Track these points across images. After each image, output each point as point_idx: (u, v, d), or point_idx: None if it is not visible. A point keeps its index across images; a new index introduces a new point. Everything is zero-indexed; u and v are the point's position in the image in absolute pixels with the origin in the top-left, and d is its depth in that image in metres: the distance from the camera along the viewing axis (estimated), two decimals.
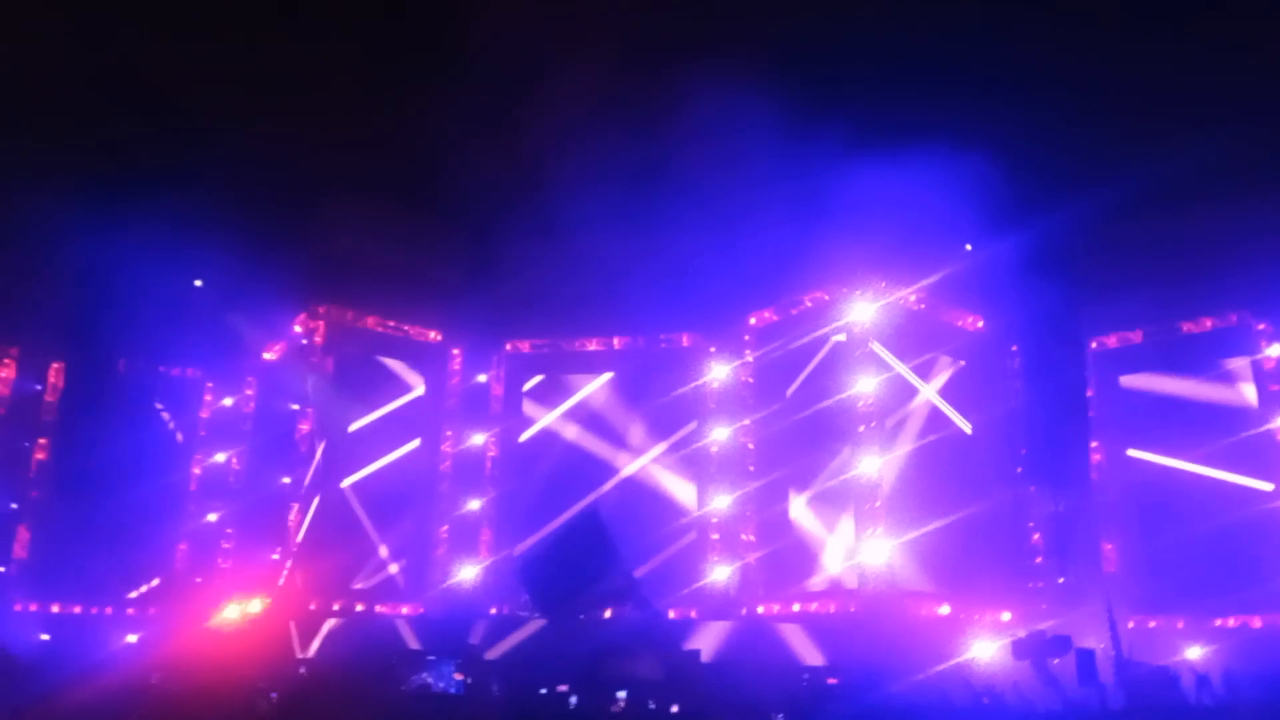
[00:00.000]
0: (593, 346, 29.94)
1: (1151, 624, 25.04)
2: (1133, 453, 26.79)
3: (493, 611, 26.90)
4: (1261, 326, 25.81)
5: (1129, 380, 27.47)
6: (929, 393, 26.25)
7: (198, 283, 28.40)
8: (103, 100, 25.43)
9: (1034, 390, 26.38)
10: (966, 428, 25.74)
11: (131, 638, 25.85)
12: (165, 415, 29.98)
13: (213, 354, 29.66)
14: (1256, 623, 24.22)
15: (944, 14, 24.09)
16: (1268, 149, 23.49)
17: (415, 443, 29.19)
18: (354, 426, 28.11)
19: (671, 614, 25.81)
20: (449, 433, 29.68)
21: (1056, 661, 18.22)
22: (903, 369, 25.39)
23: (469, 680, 18.25)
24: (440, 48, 26.15)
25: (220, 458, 29.48)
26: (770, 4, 25.65)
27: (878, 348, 24.96)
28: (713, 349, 28.75)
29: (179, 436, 30.09)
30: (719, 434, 27.80)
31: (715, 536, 27.17)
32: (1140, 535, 26.37)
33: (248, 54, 26.35)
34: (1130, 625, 23.68)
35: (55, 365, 29.03)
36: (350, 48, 26.34)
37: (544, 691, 17.34)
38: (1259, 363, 25.66)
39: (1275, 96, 23.30)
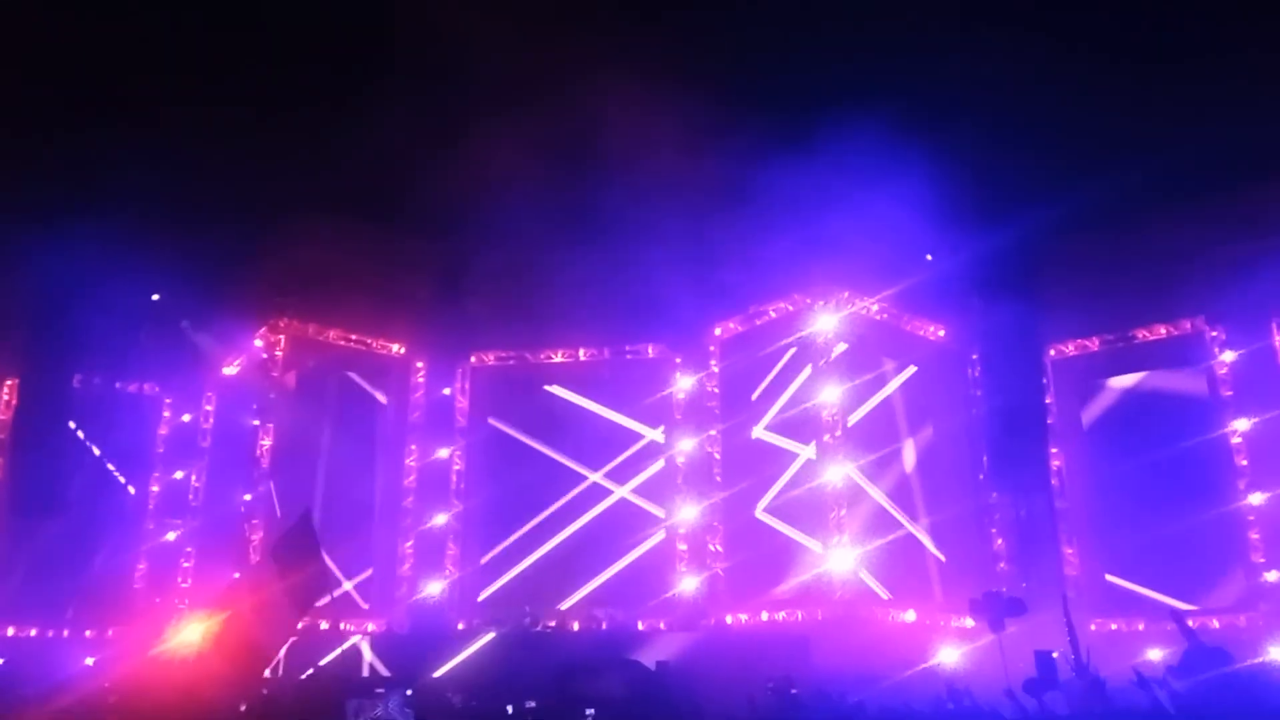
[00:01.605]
0: (558, 358, 29.89)
1: (1112, 626, 25.41)
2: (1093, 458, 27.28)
3: (460, 627, 26.67)
4: (1215, 333, 26.39)
5: (1087, 386, 27.96)
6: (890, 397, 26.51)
7: (155, 297, 27.93)
8: (59, 110, 25.02)
9: (994, 398, 26.74)
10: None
11: (89, 660, 25.32)
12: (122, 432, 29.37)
13: (171, 369, 29.19)
14: (1215, 624, 24.66)
15: (904, 27, 24.41)
16: (1221, 159, 24.03)
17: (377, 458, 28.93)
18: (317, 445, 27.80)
19: (640, 625, 25.78)
20: (413, 447, 29.42)
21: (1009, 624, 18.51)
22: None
23: (420, 707, 18.04)
24: (404, 61, 26.04)
25: (179, 475, 28.96)
26: (735, 17, 25.84)
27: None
28: (678, 360, 28.84)
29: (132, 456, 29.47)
30: (685, 444, 27.85)
31: (683, 547, 27.19)
32: (1101, 539, 26.79)
33: (208, 65, 26.06)
34: (1092, 628, 24.01)
35: (8, 382, 28.41)
36: (313, 61, 26.12)
37: (510, 711, 17.21)
38: (1212, 369, 26.21)
39: (1226, 108, 23.84)
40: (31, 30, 24.08)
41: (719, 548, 26.72)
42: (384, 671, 23.16)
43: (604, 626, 25.80)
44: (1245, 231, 24.08)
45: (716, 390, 27.97)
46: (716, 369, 28.08)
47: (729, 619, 25.59)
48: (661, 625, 25.94)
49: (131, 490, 28.89)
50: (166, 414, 29.97)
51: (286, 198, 26.59)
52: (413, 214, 27.09)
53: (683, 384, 28.52)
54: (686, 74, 24.45)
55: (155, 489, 29.14)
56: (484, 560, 28.35)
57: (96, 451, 28.50)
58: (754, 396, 26.99)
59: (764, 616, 25.15)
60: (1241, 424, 25.46)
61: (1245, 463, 25.28)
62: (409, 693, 17.00)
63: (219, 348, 28.32)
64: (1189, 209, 25.05)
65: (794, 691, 17.72)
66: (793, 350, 26.40)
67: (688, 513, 27.26)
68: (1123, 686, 16.31)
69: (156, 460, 29.49)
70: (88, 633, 27.06)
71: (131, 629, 26.57)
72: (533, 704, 17.23)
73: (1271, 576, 24.14)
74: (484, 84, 25.45)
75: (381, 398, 29.73)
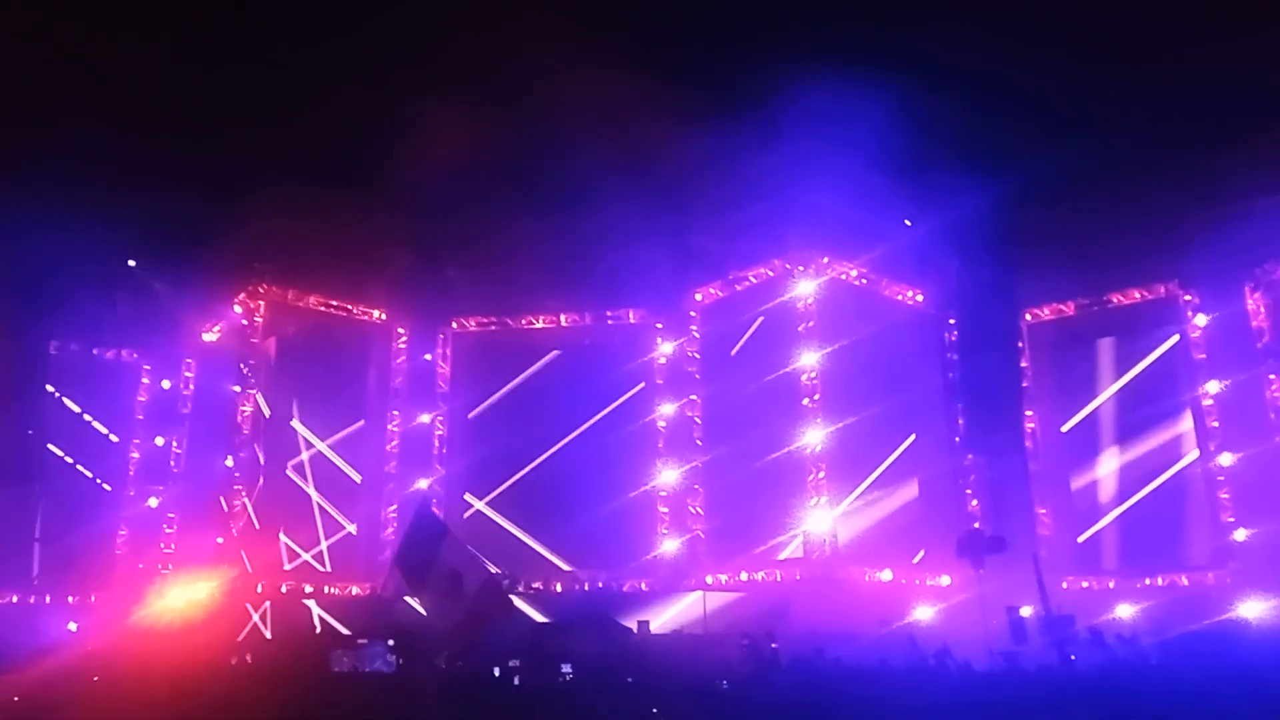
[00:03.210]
0: (540, 324, 29.93)
1: (1084, 584, 25.95)
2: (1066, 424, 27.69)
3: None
4: (1188, 297, 26.73)
5: (1062, 350, 28.30)
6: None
7: (131, 263, 27.71)
8: (39, 84, 24.64)
9: (971, 362, 27.02)
10: None
11: (71, 625, 25.41)
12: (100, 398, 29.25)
13: (149, 336, 29.03)
14: (1184, 581, 25.24)
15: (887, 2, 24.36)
16: (1193, 126, 24.23)
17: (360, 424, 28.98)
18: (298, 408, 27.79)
19: (625, 587, 26.10)
20: (395, 412, 29.46)
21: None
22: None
23: (401, 660, 18.27)
24: (383, 31, 25.78)
25: (160, 441, 28.92)
26: None
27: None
28: (659, 325, 28.95)
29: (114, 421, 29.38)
30: (666, 409, 28.05)
31: (664, 510, 27.47)
32: (1073, 499, 27.25)
33: (188, 35, 25.72)
34: (1064, 586, 24.49)
35: None
36: (294, 32, 25.83)
37: (496, 673, 17.44)
38: (1185, 332, 26.56)
39: (1199, 77, 23.98)
40: (16, 8, 23.65)
41: (700, 510, 27.03)
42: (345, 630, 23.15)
43: (585, 588, 26.11)
44: (1218, 197, 24.29)
45: (697, 355, 28.13)
46: (697, 334, 28.22)
47: (709, 580, 25.94)
48: (643, 586, 26.28)
49: (114, 438, 28.75)
50: (145, 380, 29.87)
51: (263, 166, 26.45)
52: (389, 182, 26.94)
53: (664, 349, 28.66)
54: (664, 45, 24.43)
55: (135, 455, 29.12)
56: (466, 516, 28.49)
57: (77, 409, 28.39)
58: (733, 352, 27.17)
59: (743, 577, 25.51)
60: (1213, 386, 25.86)
61: (1216, 424, 25.70)
62: (390, 643, 17.24)
63: (180, 298, 27.98)
64: (1163, 175, 25.27)
65: (774, 646, 18.04)
66: (760, 319, 26.62)
67: (669, 475, 27.51)
68: (1090, 642, 16.74)
69: (136, 426, 29.43)
70: (70, 598, 27.12)
71: (113, 594, 26.66)
72: (515, 663, 17.47)
73: (1240, 535, 24.65)
74: (460, 56, 25.26)
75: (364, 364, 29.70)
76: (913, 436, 26.68)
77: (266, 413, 27.37)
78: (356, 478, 28.58)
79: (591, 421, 28.43)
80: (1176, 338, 26.79)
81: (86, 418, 28.75)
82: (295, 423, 27.84)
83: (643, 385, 28.56)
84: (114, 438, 29.12)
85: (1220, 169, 24.54)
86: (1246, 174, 24.03)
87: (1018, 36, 23.51)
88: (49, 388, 27.73)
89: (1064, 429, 27.80)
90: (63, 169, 24.27)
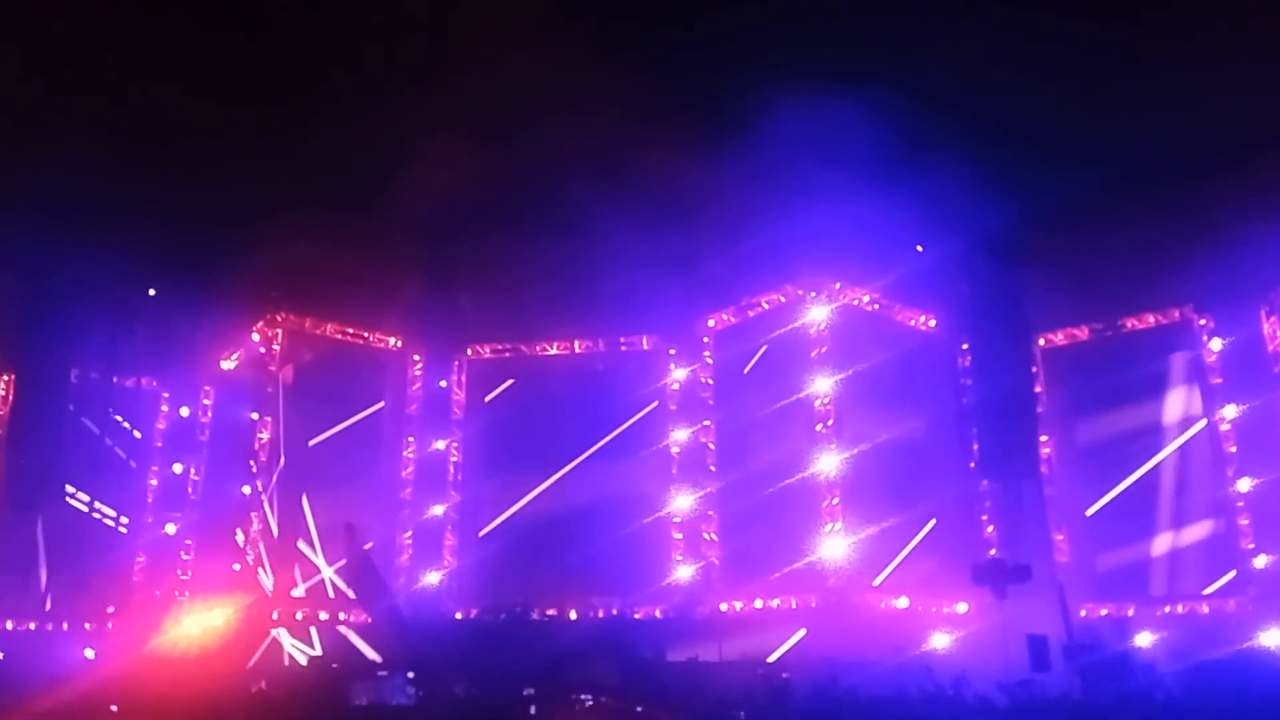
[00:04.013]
0: (554, 350, 30.06)
1: (1103, 612, 25.70)
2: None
3: (458, 616, 26.89)
4: (1203, 321, 26.63)
5: (1076, 375, 28.18)
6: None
7: (151, 291, 28.05)
8: (56, 110, 25.06)
9: (985, 386, 26.95)
10: None
11: (88, 652, 25.49)
12: (123, 425, 29.49)
13: (168, 363, 29.31)
14: (1204, 609, 24.96)
15: (893, 23, 24.53)
16: (1208, 149, 24.20)
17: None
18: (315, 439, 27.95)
19: (637, 614, 26.02)
20: (410, 439, 29.58)
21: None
22: None
23: (421, 692, 18.29)
24: (400, 61, 26.13)
25: (178, 468, 29.12)
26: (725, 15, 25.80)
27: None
28: (672, 351, 29.04)
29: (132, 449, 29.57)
30: (680, 434, 28.07)
31: (678, 536, 27.43)
32: (1091, 526, 27.04)
33: (204, 63, 26.12)
34: (1082, 614, 24.27)
35: (6, 377, 28.51)
36: (311, 61, 26.17)
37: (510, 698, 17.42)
38: (1201, 356, 26.44)
39: (1214, 96, 23.99)
40: (31, 32, 24.12)
41: (714, 536, 26.97)
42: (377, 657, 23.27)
43: (600, 615, 26.04)
44: (1232, 221, 24.26)
45: (710, 381, 28.17)
46: (710, 360, 28.28)
47: (723, 606, 25.83)
48: (657, 613, 26.20)
49: (133, 464, 28.95)
50: (164, 408, 30.12)
51: (281, 195, 26.72)
52: (405, 210, 27.22)
53: (677, 375, 28.73)
54: (673, 74, 24.65)
55: (154, 482, 29.32)
56: (481, 534, 28.49)
57: (93, 446, 28.60)
58: (745, 369, 27.22)
59: (758, 604, 25.40)
60: (1230, 411, 25.70)
61: (1234, 449, 25.52)
62: (410, 675, 17.26)
63: (198, 326, 28.22)
64: (1176, 199, 25.20)
65: (785, 676, 17.96)
66: (764, 347, 26.70)
67: (683, 502, 27.49)
68: (1113, 669, 16.61)
69: (155, 453, 29.66)
70: (86, 625, 27.22)
71: (130, 621, 26.74)
72: (530, 691, 17.46)
73: (1260, 562, 24.40)
74: (472, 86, 25.55)
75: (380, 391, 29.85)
76: (927, 461, 26.57)
77: (284, 439, 27.52)
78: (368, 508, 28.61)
79: (603, 443, 28.42)
80: (1191, 361, 26.67)
81: (108, 443, 28.93)
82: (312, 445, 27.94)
83: (655, 405, 28.55)
84: (133, 464, 29.31)
85: (1233, 193, 24.51)
86: (1260, 198, 24.01)
87: (1029, 62, 23.63)
88: (71, 406, 27.90)
89: (1080, 453, 27.65)
90: (82, 198, 24.68)
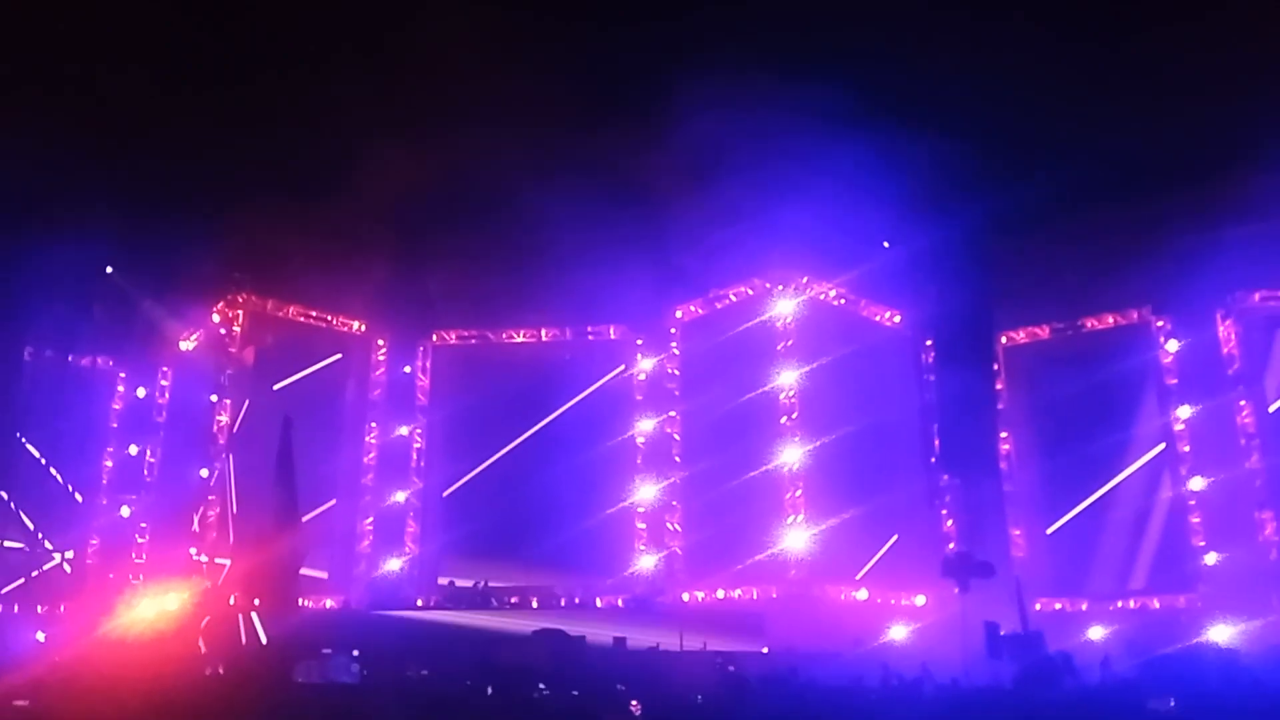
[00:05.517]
0: (520, 338, 29.94)
1: (1057, 606, 26.15)
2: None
3: (419, 604, 26.77)
4: (1161, 323, 27.11)
5: (1037, 373, 28.60)
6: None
7: (109, 269, 27.51)
8: (17, 88, 24.41)
9: (947, 383, 27.27)
10: None
11: (40, 636, 25.05)
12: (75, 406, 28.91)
13: (126, 343, 28.78)
14: (1155, 604, 25.50)
15: (861, 23, 24.56)
16: (1170, 152, 24.57)
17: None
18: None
19: (599, 602, 26.08)
20: (374, 424, 29.33)
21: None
22: None
23: (365, 671, 18.21)
24: (363, 44, 25.74)
25: (134, 450, 28.62)
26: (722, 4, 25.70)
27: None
28: (639, 341, 29.04)
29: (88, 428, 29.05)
30: (645, 425, 28.09)
31: (642, 526, 27.47)
32: (1047, 522, 27.48)
33: (168, 44, 25.56)
34: (1037, 607, 24.68)
35: None
36: (272, 43, 25.70)
37: (468, 684, 17.40)
38: (1158, 358, 26.93)
39: (1175, 106, 24.36)
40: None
41: (677, 527, 27.05)
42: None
43: (563, 604, 26.04)
44: (1192, 225, 24.69)
45: (677, 372, 28.22)
46: (677, 351, 28.32)
47: (685, 596, 25.95)
48: (619, 602, 26.24)
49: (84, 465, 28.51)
50: (121, 388, 29.58)
51: (244, 176, 26.26)
52: (371, 196, 26.88)
53: (643, 365, 28.73)
54: (640, 69, 24.55)
55: (109, 463, 28.81)
56: (443, 520, 28.33)
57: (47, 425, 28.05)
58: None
59: (720, 594, 25.54)
60: (1184, 411, 26.21)
61: (1188, 449, 26.04)
62: (355, 653, 17.18)
63: (157, 306, 27.76)
64: (1138, 203, 25.62)
65: (731, 669, 18.09)
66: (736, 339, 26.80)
67: (647, 492, 27.53)
68: (1059, 666, 16.86)
69: (110, 434, 29.13)
70: (38, 608, 26.74)
71: (83, 604, 26.30)
72: (490, 690, 17.37)
73: (1211, 559, 24.94)
74: (441, 70, 25.24)
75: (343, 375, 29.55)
76: (888, 456, 26.85)
77: (244, 422, 27.17)
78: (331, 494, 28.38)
79: (568, 432, 28.36)
80: (1149, 362, 27.16)
81: (55, 424, 28.36)
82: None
83: (621, 394, 28.53)
84: (83, 451, 28.75)
85: (1194, 198, 24.92)
86: (1219, 203, 24.44)
87: (993, 64, 23.86)
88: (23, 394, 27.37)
89: (1038, 450, 28.07)
90: (39, 176, 24.08)
